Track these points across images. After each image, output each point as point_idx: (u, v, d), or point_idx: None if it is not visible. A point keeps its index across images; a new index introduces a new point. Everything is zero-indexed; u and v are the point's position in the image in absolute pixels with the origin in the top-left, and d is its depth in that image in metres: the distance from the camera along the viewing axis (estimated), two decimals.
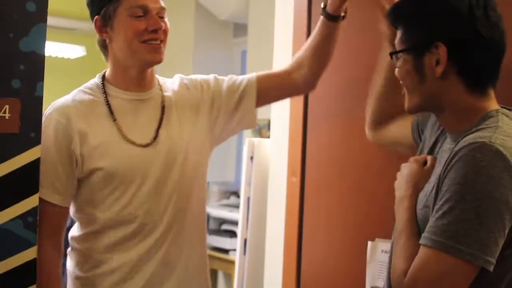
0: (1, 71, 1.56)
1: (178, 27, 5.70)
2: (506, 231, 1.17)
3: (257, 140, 2.93)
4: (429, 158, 1.40)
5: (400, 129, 1.72)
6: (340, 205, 2.19)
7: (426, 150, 1.51)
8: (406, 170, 1.42)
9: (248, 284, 2.78)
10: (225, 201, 4.96)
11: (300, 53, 1.93)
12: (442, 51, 1.27)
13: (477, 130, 1.24)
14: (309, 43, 1.91)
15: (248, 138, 2.97)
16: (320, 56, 1.89)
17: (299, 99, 2.33)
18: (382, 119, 1.79)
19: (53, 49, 5.94)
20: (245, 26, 4.99)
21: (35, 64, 1.60)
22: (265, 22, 2.97)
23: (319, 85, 1.94)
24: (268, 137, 2.74)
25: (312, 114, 2.31)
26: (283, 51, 2.47)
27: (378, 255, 1.92)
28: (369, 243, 1.93)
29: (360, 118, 1.89)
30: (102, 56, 1.83)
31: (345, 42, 1.93)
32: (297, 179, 2.33)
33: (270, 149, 2.63)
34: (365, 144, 1.90)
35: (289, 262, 2.37)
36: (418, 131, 1.65)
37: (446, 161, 1.23)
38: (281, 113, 2.44)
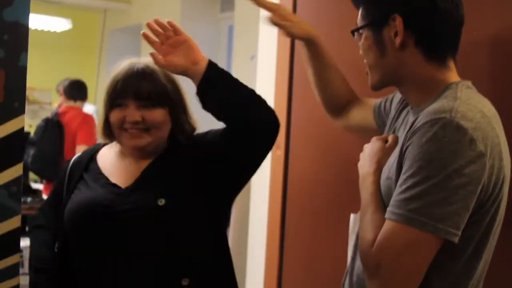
0: None
1: (165, 1, 5.67)
2: (471, 204, 1.19)
3: None
4: (390, 136, 1.44)
5: (362, 114, 1.78)
6: (324, 177, 2.21)
7: (388, 123, 1.56)
8: (368, 149, 1.46)
9: None
10: None
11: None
12: (399, 22, 1.32)
13: (435, 102, 1.28)
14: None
15: None
16: None
17: (285, 73, 2.34)
18: (335, 106, 1.86)
19: (37, 22, 5.87)
20: (232, 1, 4.97)
21: (19, 34, 1.58)
22: None
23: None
24: None
25: (297, 86, 2.32)
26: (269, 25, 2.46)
27: None
28: (352, 215, 1.95)
29: None
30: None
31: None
32: (281, 152, 2.34)
33: None
34: None
35: (273, 229, 2.39)
36: (381, 113, 1.69)
37: (407, 134, 1.26)
38: (266, 86, 2.45)
